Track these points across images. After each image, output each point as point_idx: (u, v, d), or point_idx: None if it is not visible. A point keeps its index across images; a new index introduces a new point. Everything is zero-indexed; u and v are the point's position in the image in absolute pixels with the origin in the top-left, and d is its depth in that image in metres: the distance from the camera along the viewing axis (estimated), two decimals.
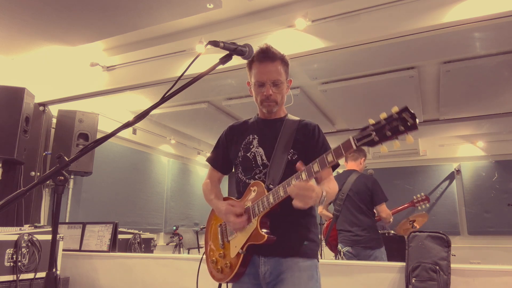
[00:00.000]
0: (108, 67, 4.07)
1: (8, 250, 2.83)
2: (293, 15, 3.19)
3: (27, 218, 4.03)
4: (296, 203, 1.39)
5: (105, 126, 4.71)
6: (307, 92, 4.80)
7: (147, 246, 4.28)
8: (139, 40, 3.93)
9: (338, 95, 4.74)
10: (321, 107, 5.34)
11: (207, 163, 1.94)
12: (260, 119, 1.82)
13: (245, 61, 1.71)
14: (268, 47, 1.69)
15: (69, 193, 4.73)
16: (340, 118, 5.79)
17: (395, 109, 1.24)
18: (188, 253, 5.88)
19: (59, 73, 4.32)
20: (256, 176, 1.69)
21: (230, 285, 1.74)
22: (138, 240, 4.11)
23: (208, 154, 1.98)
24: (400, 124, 1.22)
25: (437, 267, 2.43)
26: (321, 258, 4.13)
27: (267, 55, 1.68)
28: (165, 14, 3.16)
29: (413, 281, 2.46)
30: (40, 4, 3.02)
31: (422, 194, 4.25)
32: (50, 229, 2.56)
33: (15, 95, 3.78)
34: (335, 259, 3.57)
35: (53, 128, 4.50)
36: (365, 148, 2.61)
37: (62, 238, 3.32)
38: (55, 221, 1.28)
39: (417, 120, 1.21)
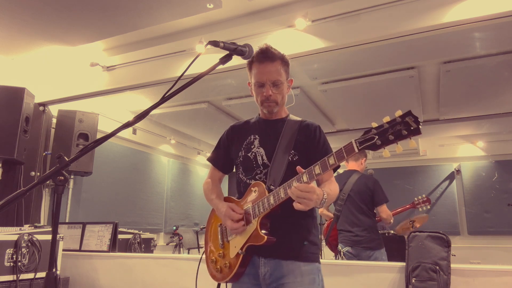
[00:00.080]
0: (108, 67, 4.07)
1: (8, 250, 2.83)
2: (293, 15, 3.19)
3: (27, 218, 4.03)
4: (297, 205, 1.39)
5: (105, 126, 4.71)
6: (307, 92, 4.80)
7: (147, 246, 4.28)
8: (139, 40, 3.93)
9: (338, 95, 4.74)
10: (321, 107, 5.33)
11: (207, 163, 1.95)
12: (262, 119, 1.82)
13: (245, 61, 1.71)
14: (267, 47, 1.69)
15: (69, 193, 4.73)
16: (340, 118, 5.79)
17: (398, 113, 1.23)
18: (188, 253, 5.87)
19: (59, 73, 4.32)
20: (256, 177, 1.68)
21: (229, 285, 1.73)
22: (138, 240, 4.11)
23: (208, 154, 1.98)
24: (403, 128, 1.21)
25: (437, 267, 2.43)
26: (321, 258, 4.12)
27: (266, 55, 1.67)
28: (165, 14, 3.16)
29: (413, 281, 2.46)
30: (40, 4, 3.02)
31: (424, 195, 4.19)
32: (50, 229, 2.55)
33: (15, 95, 3.78)
34: (335, 259, 3.57)
35: (53, 128, 4.50)
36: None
37: (62, 238, 3.32)
38: (55, 221, 1.28)
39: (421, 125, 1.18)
